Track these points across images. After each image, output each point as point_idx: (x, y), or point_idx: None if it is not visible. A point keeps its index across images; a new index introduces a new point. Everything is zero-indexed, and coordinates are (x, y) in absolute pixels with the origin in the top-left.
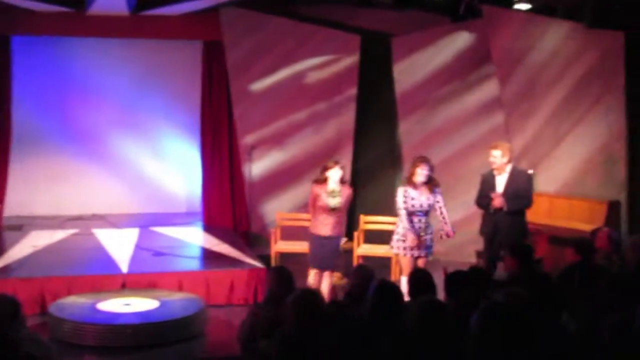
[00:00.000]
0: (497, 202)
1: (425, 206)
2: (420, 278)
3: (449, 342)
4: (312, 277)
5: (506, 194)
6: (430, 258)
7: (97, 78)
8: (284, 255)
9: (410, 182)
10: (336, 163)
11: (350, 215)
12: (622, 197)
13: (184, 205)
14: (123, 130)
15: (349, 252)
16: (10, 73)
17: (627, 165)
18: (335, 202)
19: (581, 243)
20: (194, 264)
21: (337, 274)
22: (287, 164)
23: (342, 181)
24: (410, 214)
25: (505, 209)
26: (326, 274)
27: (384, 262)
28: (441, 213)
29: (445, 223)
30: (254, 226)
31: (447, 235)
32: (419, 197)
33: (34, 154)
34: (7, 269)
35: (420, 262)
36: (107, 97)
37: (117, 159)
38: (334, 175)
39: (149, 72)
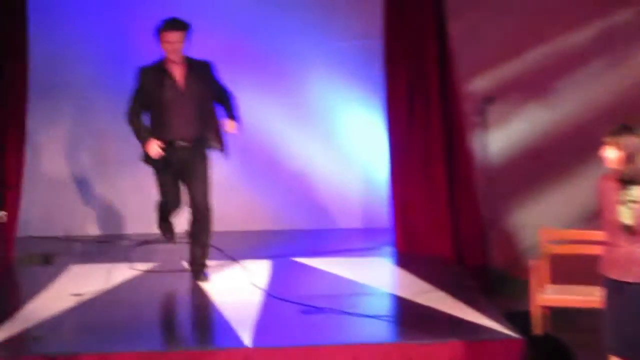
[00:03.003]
0: None
1: None
2: None
3: None
4: None
5: None
6: None
7: None
8: (557, 314)
9: None
10: (617, 136)
11: None
12: None
13: (358, 217)
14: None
15: None
16: None
17: None
18: (629, 215)
19: None
20: (381, 330)
21: None
22: (557, 131)
23: None
24: None
25: None
26: None
27: None
28: None
29: None
30: (496, 255)
31: None
32: None
33: None
34: (23, 338)
35: None
36: None
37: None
38: (610, 156)
39: None
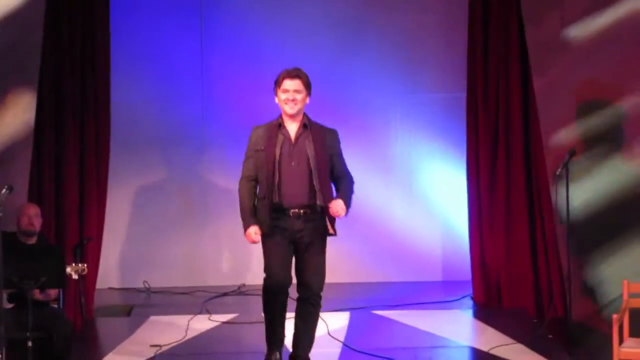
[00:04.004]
0: None
1: None
2: None
3: None
4: None
5: None
6: None
7: None
8: None
9: None
10: None
11: None
12: None
13: (438, 269)
14: None
15: None
16: None
17: None
18: None
19: None
20: None
21: None
22: None
23: None
24: None
25: None
26: None
27: None
28: None
29: None
30: (577, 308)
31: None
32: None
33: None
34: None
35: None
36: None
37: None
38: None
39: None
